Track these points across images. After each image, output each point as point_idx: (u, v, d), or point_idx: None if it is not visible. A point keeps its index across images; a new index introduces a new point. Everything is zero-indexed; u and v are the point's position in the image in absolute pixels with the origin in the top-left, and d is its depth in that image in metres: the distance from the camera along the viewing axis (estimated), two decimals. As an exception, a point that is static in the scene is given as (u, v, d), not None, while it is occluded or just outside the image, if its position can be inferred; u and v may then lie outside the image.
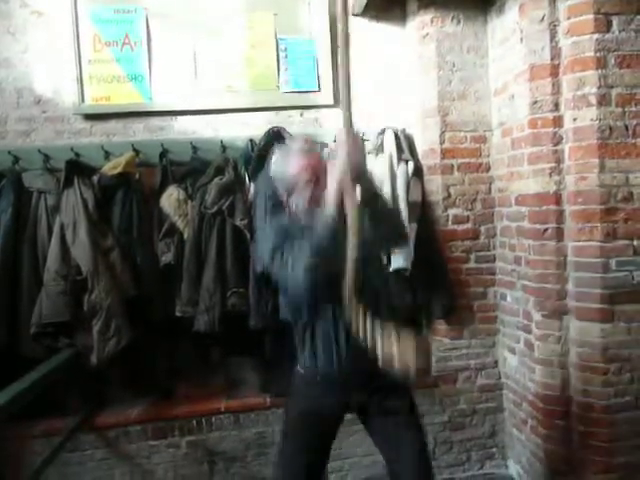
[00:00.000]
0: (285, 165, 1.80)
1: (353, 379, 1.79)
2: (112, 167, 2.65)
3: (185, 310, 2.62)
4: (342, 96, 1.59)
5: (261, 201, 2.48)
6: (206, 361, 2.88)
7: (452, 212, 2.87)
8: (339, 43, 1.65)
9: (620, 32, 2.28)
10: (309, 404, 1.85)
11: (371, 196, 1.71)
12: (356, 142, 1.63)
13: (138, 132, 2.88)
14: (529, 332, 2.61)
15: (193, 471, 2.78)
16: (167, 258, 2.65)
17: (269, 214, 1.96)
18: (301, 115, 2.97)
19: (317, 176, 1.74)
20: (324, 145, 2.11)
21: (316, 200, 1.70)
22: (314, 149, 1.87)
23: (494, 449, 2.99)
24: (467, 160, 2.87)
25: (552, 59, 2.39)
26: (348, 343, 1.73)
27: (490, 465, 2.99)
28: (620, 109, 2.29)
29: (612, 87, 2.29)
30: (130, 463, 2.74)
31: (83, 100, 2.80)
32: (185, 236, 2.66)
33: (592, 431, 2.38)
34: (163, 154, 2.77)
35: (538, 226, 2.48)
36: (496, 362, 2.95)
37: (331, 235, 1.59)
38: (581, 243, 2.36)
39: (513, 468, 2.93)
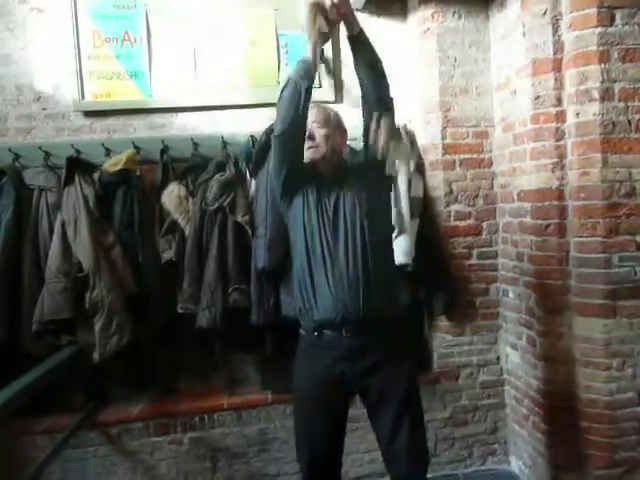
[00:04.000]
0: None
1: (352, 337, 1.84)
2: (113, 164, 2.64)
3: (187, 307, 2.62)
4: None
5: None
6: (208, 358, 2.87)
7: (454, 208, 2.86)
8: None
9: (623, 26, 2.26)
10: (313, 368, 1.91)
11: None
12: None
13: (139, 129, 2.87)
14: (531, 328, 2.60)
15: (195, 467, 2.78)
16: (168, 255, 2.65)
17: None
18: (302, 111, 2.95)
19: (310, 127, 1.95)
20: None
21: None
22: (325, 107, 2.10)
23: (496, 445, 2.98)
24: (469, 156, 2.86)
25: (555, 53, 2.37)
26: (345, 290, 1.82)
27: (492, 461, 2.99)
28: (623, 104, 2.28)
29: (615, 81, 2.27)
30: (133, 459, 2.74)
31: (83, 97, 2.79)
32: (186, 233, 2.66)
33: (594, 427, 2.37)
34: (164, 151, 2.76)
35: (540, 222, 2.47)
36: (498, 358, 2.95)
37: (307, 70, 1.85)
38: (583, 239, 2.35)
39: (515, 464, 2.93)
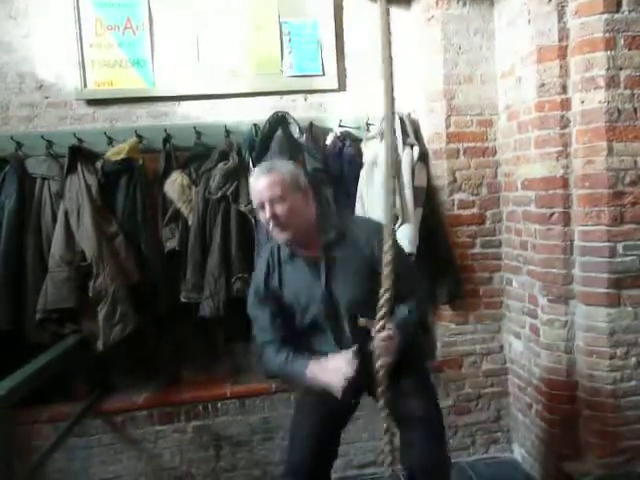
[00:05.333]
0: (251, 182, 1.85)
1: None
2: (115, 153, 2.64)
3: (190, 296, 2.62)
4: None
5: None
6: (211, 346, 2.89)
7: (458, 197, 2.85)
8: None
9: (630, 12, 2.23)
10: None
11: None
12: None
13: (141, 117, 2.86)
14: (535, 317, 2.60)
15: (199, 455, 2.80)
16: (171, 244, 2.65)
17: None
18: (305, 99, 2.94)
19: (262, 202, 1.74)
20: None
21: (268, 223, 1.76)
22: (274, 169, 1.80)
23: (499, 433, 2.99)
24: (473, 144, 2.84)
25: (560, 40, 2.35)
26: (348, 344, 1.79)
27: (495, 449, 2.99)
28: (629, 91, 2.26)
29: (621, 69, 2.24)
30: (137, 448, 2.75)
31: (85, 85, 2.78)
32: (189, 222, 2.66)
33: (597, 415, 2.38)
34: (167, 139, 2.75)
35: (544, 210, 2.46)
36: (501, 347, 2.95)
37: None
38: (588, 227, 2.34)
39: (518, 452, 2.93)
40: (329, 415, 1.89)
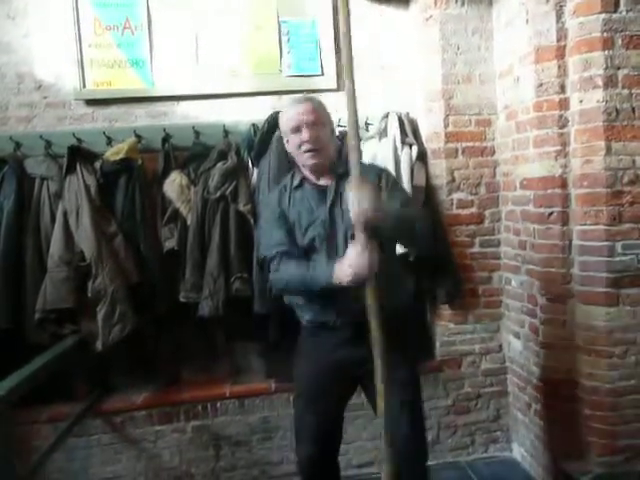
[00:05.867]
0: (282, 114, 1.96)
1: (352, 330, 1.84)
2: (114, 153, 2.64)
3: (189, 296, 2.62)
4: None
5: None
6: (211, 346, 2.89)
7: (456, 196, 2.85)
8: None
9: (628, 12, 2.24)
10: (313, 357, 1.95)
11: (389, 231, 1.78)
12: (365, 190, 1.65)
13: (140, 117, 2.86)
14: (534, 316, 2.60)
15: (199, 455, 2.80)
16: (170, 244, 2.65)
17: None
18: (304, 99, 2.94)
19: (299, 126, 1.84)
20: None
21: (298, 147, 1.86)
22: (310, 99, 1.94)
23: (498, 433, 3.00)
24: (471, 144, 2.85)
25: (558, 40, 2.35)
26: (344, 301, 1.80)
27: (494, 448, 3.00)
28: (627, 91, 2.26)
29: (619, 68, 2.25)
30: (136, 447, 2.76)
31: (84, 85, 2.78)
32: (188, 222, 2.66)
33: (597, 414, 2.38)
34: (165, 139, 2.75)
35: (543, 210, 2.47)
36: (501, 346, 2.95)
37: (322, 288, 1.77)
38: (586, 227, 2.34)
39: (517, 451, 2.94)
40: (327, 406, 1.95)
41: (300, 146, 1.86)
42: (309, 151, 1.85)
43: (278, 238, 1.91)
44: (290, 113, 1.88)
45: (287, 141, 1.95)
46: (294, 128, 1.86)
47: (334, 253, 1.84)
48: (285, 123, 1.91)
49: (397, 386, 1.81)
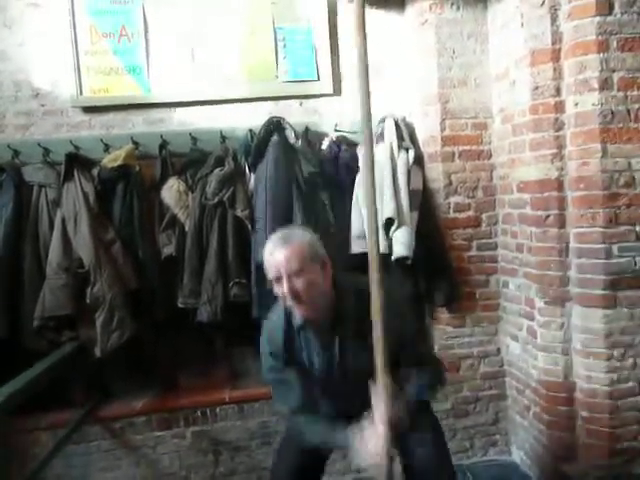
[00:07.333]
0: (265, 254, 1.70)
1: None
2: (112, 160, 2.64)
3: (187, 301, 2.63)
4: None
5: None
6: (209, 352, 2.89)
7: (453, 200, 2.85)
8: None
9: (622, 15, 2.25)
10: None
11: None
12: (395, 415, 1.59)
13: (137, 124, 2.87)
14: (532, 319, 2.60)
15: (198, 461, 2.80)
16: (168, 250, 2.66)
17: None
18: (300, 105, 2.95)
19: (279, 277, 1.63)
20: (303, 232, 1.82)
21: (286, 298, 1.65)
22: (291, 239, 1.68)
23: (497, 436, 2.99)
24: (468, 147, 2.85)
25: (553, 43, 2.36)
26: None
27: (494, 452, 3.00)
28: (622, 93, 2.27)
29: (614, 71, 2.25)
30: (136, 454, 2.76)
31: (81, 93, 2.78)
32: (186, 228, 2.66)
33: (595, 417, 2.38)
34: (163, 146, 2.76)
35: (540, 213, 2.47)
36: (499, 349, 2.95)
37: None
38: (583, 229, 2.35)
39: (516, 454, 2.94)
40: (311, 452, 1.88)
41: (284, 297, 1.65)
42: (294, 301, 1.64)
43: (290, 388, 1.83)
44: (269, 260, 1.65)
45: None
46: (275, 278, 1.65)
47: (346, 400, 1.82)
48: (267, 269, 1.68)
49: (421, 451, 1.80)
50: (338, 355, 1.78)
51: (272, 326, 1.87)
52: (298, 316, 1.76)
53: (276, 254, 1.63)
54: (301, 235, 1.72)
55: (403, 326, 1.74)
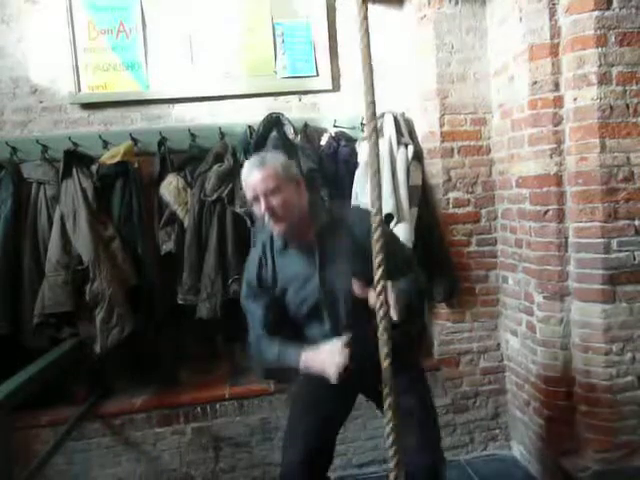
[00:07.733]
0: (243, 175, 1.79)
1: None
2: (111, 156, 2.65)
3: (187, 298, 2.63)
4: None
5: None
6: (209, 348, 2.90)
7: (453, 195, 2.86)
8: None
9: (621, 9, 2.24)
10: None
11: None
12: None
13: (136, 120, 2.87)
14: (531, 314, 2.61)
15: (199, 457, 2.80)
16: (168, 247, 2.66)
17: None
18: (299, 100, 2.95)
19: (256, 195, 1.72)
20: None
21: (264, 216, 1.73)
22: (266, 161, 1.77)
23: (497, 431, 3.00)
24: (467, 143, 2.85)
25: (552, 38, 2.35)
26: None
27: (493, 446, 3.00)
28: (621, 88, 2.26)
29: (613, 65, 2.25)
30: (136, 450, 2.76)
31: (80, 89, 2.79)
32: (185, 224, 2.67)
33: (594, 411, 2.38)
34: (161, 142, 2.76)
35: (539, 208, 2.47)
36: (498, 344, 2.96)
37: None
38: (582, 224, 2.35)
39: (516, 449, 2.94)
40: (326, 415, 1.90)
41: (263, 215, 1.73)
42: (272, 218, 1.73)
43: (254, 317, 1.89)
44: (247, 181, 1.75)
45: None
46: (253, 198, 1.74)
47: (336, 318, 1.82)
48: (245, 191, 1.79)
49: (406, 399, 1.78)
50: (319, 272, 1.81)
51: (253, 255, 1.96)
52: (278, 236, 1.83)
53: (253, 175, 1.73)
54: (275, 157, 1.83)
55: (398, 251, 1.86)
